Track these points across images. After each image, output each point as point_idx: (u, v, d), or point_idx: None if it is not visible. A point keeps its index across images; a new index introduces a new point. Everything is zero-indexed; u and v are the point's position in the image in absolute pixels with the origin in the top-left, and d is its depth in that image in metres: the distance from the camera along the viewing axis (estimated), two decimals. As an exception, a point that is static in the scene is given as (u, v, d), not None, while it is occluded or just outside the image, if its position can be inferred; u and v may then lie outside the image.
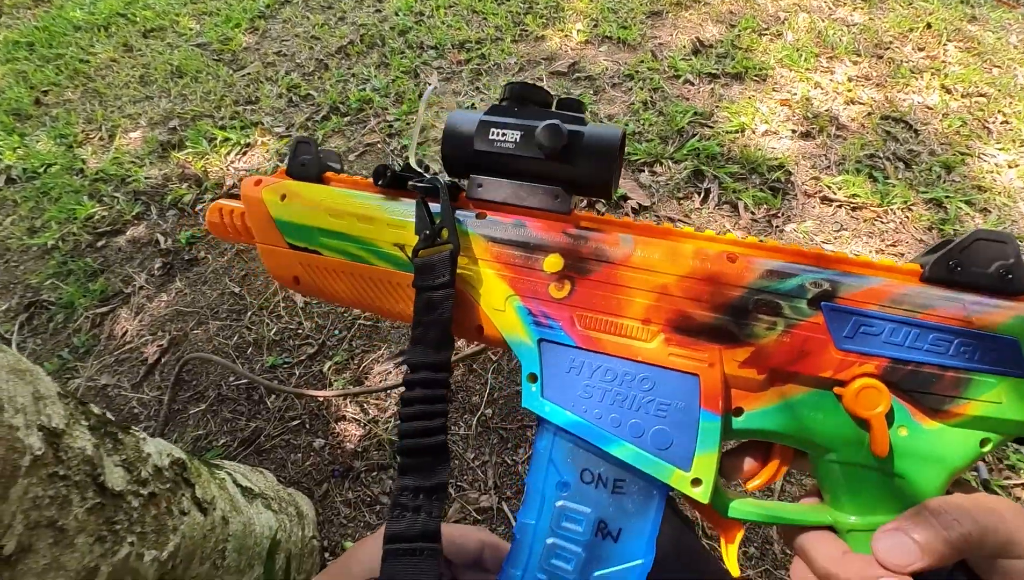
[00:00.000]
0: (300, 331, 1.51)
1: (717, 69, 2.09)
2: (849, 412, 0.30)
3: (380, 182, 0.39)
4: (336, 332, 1.50)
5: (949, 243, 0.31)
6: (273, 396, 1.40)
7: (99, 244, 1.83)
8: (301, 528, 1.11)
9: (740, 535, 0.34)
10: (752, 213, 1.64)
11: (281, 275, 0.42)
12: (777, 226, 1.62)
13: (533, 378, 0.34)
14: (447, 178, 0.39)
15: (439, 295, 0.34)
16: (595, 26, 2.35)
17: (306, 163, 0.42)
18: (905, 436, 0.30)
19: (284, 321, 1.54)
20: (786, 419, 0.32)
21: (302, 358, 1.45)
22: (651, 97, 2.01)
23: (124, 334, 1.58)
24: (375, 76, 2.22)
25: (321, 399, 1.36)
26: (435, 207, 0.37)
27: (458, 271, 0.36)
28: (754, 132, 1.87)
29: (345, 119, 2.06)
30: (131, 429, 0.72)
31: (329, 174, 0.42)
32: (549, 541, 0.33)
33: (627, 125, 1.90)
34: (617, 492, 0.33)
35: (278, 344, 1.49)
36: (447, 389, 0.35)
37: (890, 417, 0.30)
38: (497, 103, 0.38)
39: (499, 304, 0.36)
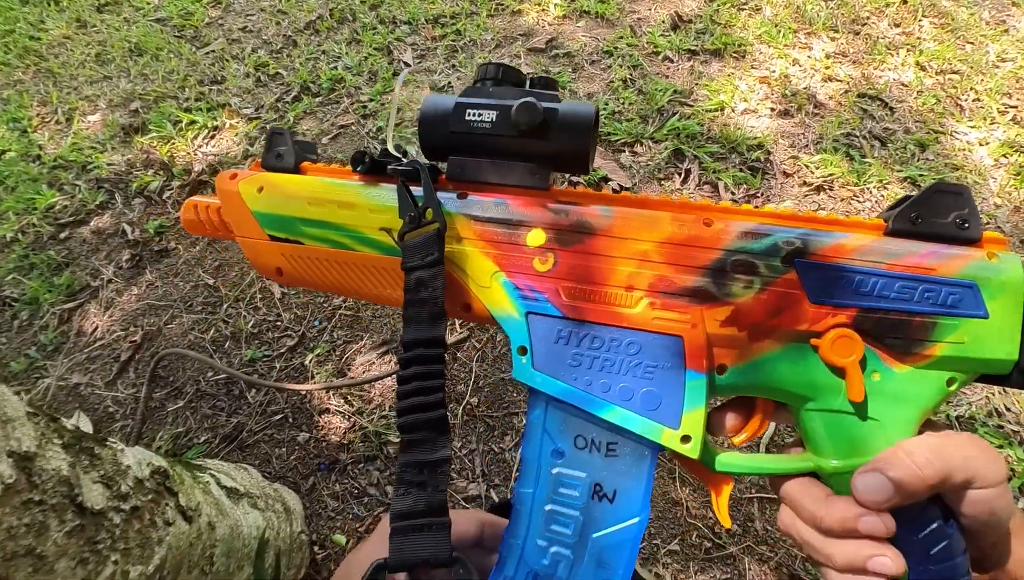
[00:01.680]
0: (279, 323, 1.48)
1: (696, 45, 2.07)
2: (825, 362, 0.32)
3: (359, 169, 0.39)
4: (316, 323, 1.47)
5: (910, 197, 0.33)
6: (254, 390, 1.37)
7: (62, 236, 1.75)
8: (289, 524, 1.11)
9: (729, 488, 0.35)
10: (732, 193, 1.64)
11: (264, 267, 0.42)
12: (756, 206, 1.62)
13: (523, 351, 0.35)
14: (426, 161, 0.40)
15: (429, 273, 0.35)
16: (572, 0, 2.30)
17: (282, 154, 0.42)
18: (878, 380, 0.32)
19: (262, 313, 1.50)
20: (767, 373, 0.33)
21: (282, 350, 1.43)
22: (631, 75, 1.98)
23: (94, 330, 1.53)
24: (346, 53, 2.14)
25: (304, 392, 1.34)
26: (416, 190, 0.38)
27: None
28: (733, 110, 1.87)
29: (317, 99, 1.98)
30: (108, 441, 0.70)
31: (306, 164, 0.43)
32: (547, 508, 0.34)
33: (606, 104, 1.87)
34: (610, 455, 0.34)
35: (256, 337, 1.46)
36: (443, 364, 0.35)
37: (863, 363, 0.32)
38: (472, 84, 0.39)
39: (485, 281, 0.36)
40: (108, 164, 1.89)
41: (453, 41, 2.16)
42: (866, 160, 1.70)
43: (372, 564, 0.33)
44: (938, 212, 0.32)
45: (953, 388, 0.31)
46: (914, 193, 0.33)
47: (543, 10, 2.28)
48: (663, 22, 2.18)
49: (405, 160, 0.39)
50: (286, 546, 1.07)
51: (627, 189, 1.65)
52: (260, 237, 0.41)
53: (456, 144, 0.38)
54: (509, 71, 0.39)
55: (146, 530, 0.65)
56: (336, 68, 2.08)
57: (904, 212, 0.33)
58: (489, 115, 0.36)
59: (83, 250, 1.71)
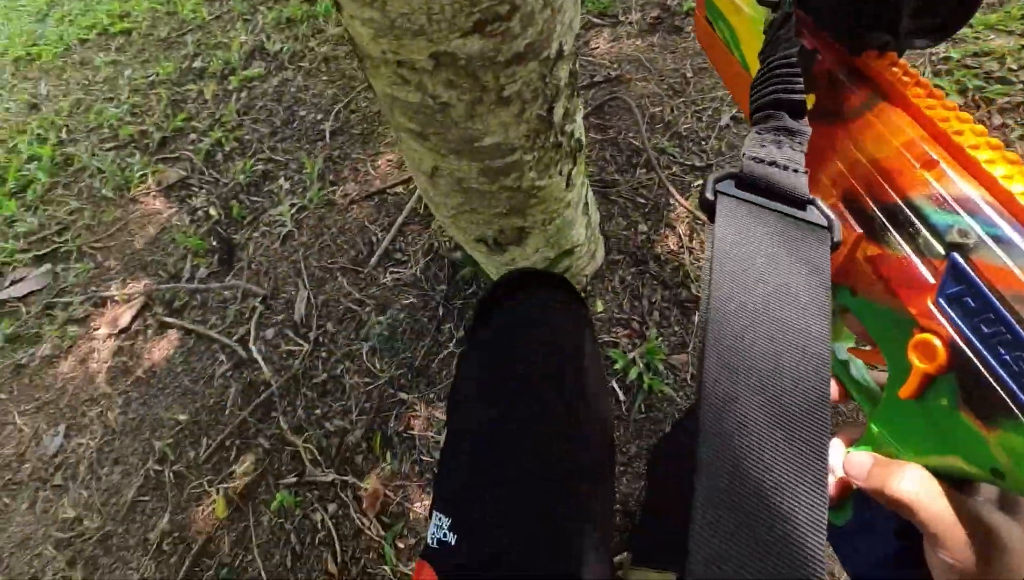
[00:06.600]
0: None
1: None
2: (909, 351, 0.30)
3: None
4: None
5: None
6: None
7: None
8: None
9: None
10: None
11: (699, 39, 0.53)
12: None
13: None
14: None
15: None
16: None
17: None
18: (939, 406, 0.29)
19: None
20: (876, 322, 0.33)
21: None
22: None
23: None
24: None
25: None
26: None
27: None
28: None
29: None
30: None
31: None
32: None
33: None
34: None
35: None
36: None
37: (940, 386, 0.28)
38: None
39: None
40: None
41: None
42: None
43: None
44: None
45: (997, 481, 0.27)
46: None
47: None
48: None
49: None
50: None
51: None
52: (702, 15, 0.50)
53: None
54: None
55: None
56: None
57: None
58: None
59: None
